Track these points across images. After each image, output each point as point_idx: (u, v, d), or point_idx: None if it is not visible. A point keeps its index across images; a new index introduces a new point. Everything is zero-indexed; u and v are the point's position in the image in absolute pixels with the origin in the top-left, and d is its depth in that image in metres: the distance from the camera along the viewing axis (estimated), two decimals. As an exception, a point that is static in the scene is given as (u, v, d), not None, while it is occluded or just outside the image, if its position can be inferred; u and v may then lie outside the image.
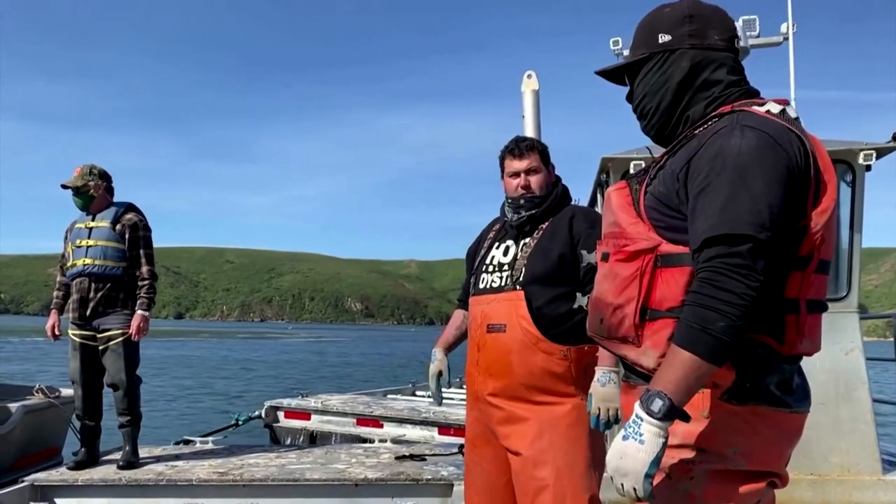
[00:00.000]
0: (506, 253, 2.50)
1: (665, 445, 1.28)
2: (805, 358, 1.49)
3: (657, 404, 1.27)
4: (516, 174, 2.50)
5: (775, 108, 1.43)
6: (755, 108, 1.43)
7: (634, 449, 1.27)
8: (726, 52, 1.52)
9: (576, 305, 2.39)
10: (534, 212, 2.47)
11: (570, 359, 2.34)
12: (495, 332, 2.40)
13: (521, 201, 2.47)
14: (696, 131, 1.46)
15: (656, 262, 1.40)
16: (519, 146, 2.52)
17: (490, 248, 2.57)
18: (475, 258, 2.64)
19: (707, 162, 1.36)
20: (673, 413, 1.27)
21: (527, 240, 2.47)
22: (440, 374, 2.64)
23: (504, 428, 2.41)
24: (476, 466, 2.53)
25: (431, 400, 2.89)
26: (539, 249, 2.42)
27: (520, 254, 2.46)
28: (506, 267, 2.46)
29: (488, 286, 2.48)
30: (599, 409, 2.16)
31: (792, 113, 1.44)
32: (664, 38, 1.52)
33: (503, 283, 2.44)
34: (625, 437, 1.30)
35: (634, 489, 1.28)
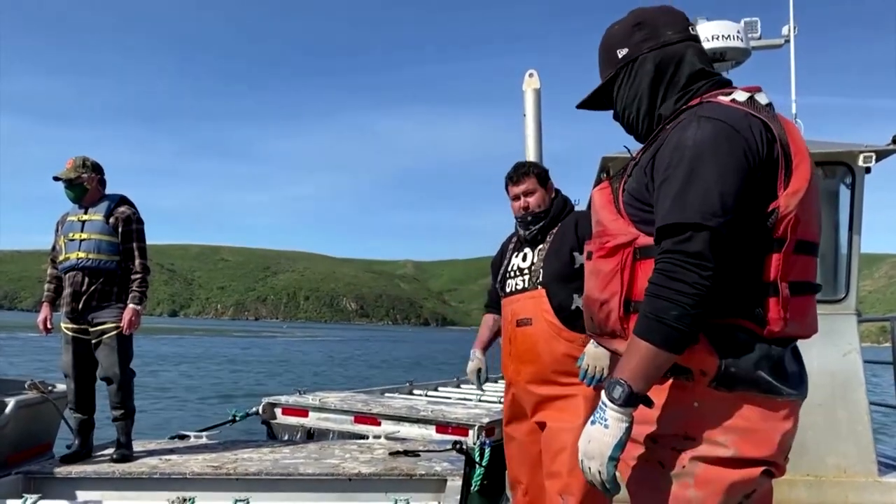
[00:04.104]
0: (524, 259, 2.90)
1: (629, 430, 1.35)
2: (803, 360, 1.49)
3: (617, 391, 1.34)
4: (517, 197, 2.90)
5: (741, 97, 1.45)
6: (721, 98, 1.46)
7: (600, 433, 1.36)
8: (684, 42, 1.56)
9: (573, 307, 2.68)
10: (542, 223, 2.86)
11: None
12: (524, 326, 2.80)
13: (529, 218, 2.87)
14: (668, 126, 1.50)
15: (635, 254, 1.45)
16: (517, 173, 2.92)
17: (510, 258, 2.99)
18: (499, 268, 3.03)
19: (668, 155, 1.41)
20: (633, 399, 1.34)
21: (540, 246, 2.87)
22: (479, 370, 3.11)
23: (537, 407, 2.80)
24: (513, 440, 2.97)
25: (473, 387, 3.77)
26: (552, 252, 2.81)
27: (536, 258, 2.85)
28: (526, 271, 2.86)
29: (514, 289, 2.89)
30: (589, 366, 2.49)
31: (763, 99, 1.47)
32: (622, 52, 1.59)
33: (526, 285, 2.84)
34: (592, 423, 1.39)
35: (599, 472, 1.35)
